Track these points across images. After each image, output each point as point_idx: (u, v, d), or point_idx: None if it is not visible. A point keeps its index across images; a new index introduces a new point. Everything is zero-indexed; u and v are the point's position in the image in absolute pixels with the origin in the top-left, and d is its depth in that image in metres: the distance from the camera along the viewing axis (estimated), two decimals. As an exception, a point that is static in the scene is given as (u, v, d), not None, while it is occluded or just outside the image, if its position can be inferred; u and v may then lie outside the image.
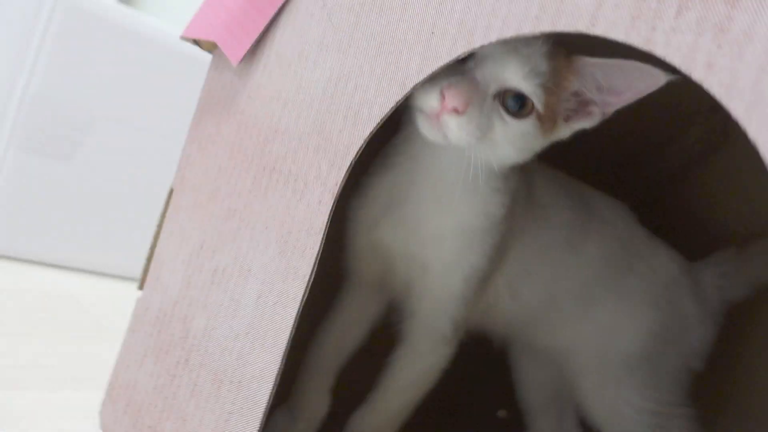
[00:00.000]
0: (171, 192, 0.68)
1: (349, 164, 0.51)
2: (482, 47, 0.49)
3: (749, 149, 0.31)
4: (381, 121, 0.49)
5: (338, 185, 0.51)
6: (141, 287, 0.70)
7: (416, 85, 0.47)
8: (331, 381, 0.69)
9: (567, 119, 0.54)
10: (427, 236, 0.60)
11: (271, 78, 0.58)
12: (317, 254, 0.52)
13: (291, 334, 0.53)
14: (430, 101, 0.50)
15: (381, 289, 0.68)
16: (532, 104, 0.52)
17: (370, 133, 0.49)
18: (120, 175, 1.13)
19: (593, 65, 0.51)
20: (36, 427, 0.66)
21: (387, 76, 0.49)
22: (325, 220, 0.52)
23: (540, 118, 0.52)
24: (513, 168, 0.59)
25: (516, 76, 0.51)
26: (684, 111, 0.83)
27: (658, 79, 0.46)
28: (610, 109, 0.53)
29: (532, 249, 0.66)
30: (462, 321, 0.63)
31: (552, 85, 0.52)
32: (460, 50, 0.44)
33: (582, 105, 0.54)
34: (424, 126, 0.53)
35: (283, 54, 0.57)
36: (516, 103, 0.52)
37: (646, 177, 0.92)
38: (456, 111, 0.49)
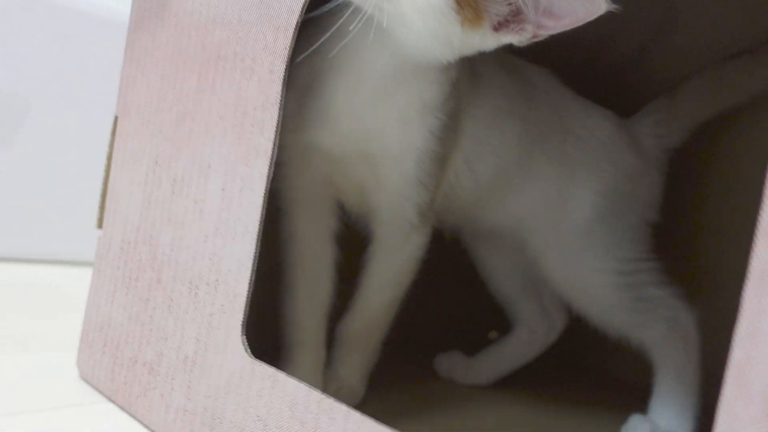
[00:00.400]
0: (115, 120, 0.65)
1: (295, 24, 0.49)
2: None
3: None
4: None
5: (288, 49, 0.49)
6: (99, 225, 0.66)
7: None
8: (322, 337, 0.65)
9: (496, 28, 0.51)
10: (367, 130, 0.58)
11: (201, -32, 0.56)
12: (277, 126, 0.50)
13: (262, 216, 0.50)
14: None
15: (328, 202, 0.64)
16: None
17: (311, -14, 0.48)
18: (63, 156, 1.09)
19: None
20: (15, 388, 0.62)
21: (319, -77, 0.47)
22: (280, 90, 0.49)
23: (458, 2, 0.49)
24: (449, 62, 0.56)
25: None
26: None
27: (599, 8, 0.45)
28: (543, 33, 0.50)
29: (482, 121, 0.64)
30: (426, 206, 0.61)
31: None
32: None
33: (514, 16, 0.50)
34: None
35: (209, -61, 0.55)
36: None
37: (607, 63, 0.92)
38: None
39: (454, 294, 0.94)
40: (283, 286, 0.65)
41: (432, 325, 0.91)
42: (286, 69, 0.49)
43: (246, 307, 0.51)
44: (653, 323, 0.68)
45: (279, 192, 0.63)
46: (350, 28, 0.51)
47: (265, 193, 0.50)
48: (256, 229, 0.51)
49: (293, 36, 0.49)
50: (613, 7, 0.46)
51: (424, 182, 0.60)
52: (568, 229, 0.69)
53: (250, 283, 0.51)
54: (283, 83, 0.49)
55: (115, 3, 1.00)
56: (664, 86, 0.78)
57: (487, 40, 0.51)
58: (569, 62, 0.76)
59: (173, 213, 0.58)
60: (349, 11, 0.50)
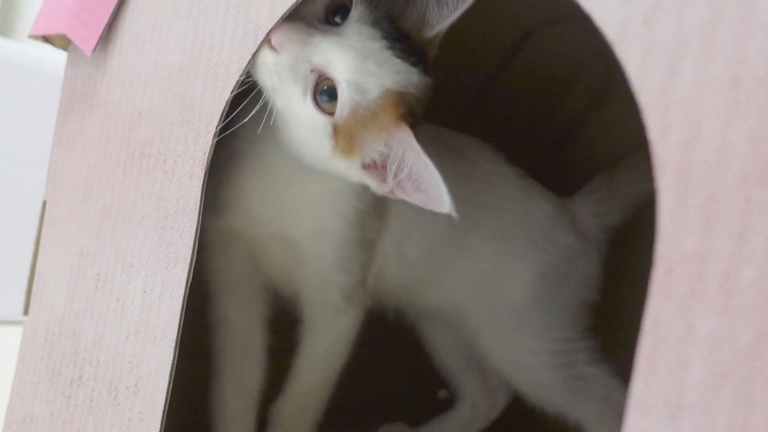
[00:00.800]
0: (44, 204, 0.63)
1: (214, 131, 0.48)
2: (354, 22, 0.47)
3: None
4: (240, 78, 0.46)
5: (206, 155, 0.48)
6: (26, 312, 0.64)
7: (268, 32, 0.44)
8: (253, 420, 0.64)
9: (366, 167, 0.51)
10: (281, 214, 0.57)
11: (127, 61, 0.55)
12: (196, 233, 0.49)
13: (180, 322, 0.49)
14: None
15: (255, 284, 0.64)
16: (334, 109, 0.48)
17: (231, 94, 0.47)
18: None
19: (411, 148, 0.48)
20: None
21: (239, 30, 0.47)
22: (199, 195, 0.49)
23: (336, 128, 0.49)
24: None
25: (344, 72, 0.47)
26: (574, 59, 0.84)
27: (444, 206, 0.47)
28: (399, 195, 0.50)
29: (409, 203, 0.64)
30: (351, 288, 0.60)
31: (366, 119, 0.49)
32: (305, -11, 0.42)
33: (383, 169, 0.51)
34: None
35: (136, 33, 0.54)
36: (326, 98, 0.48)
37: (547, 129, 0.92)
38: (270, 46, 0.46)
39: (403, 350, 0.93)
40: (211, 373, 0.64)
41: (380, 385, 0.90)
42: (204, 175, 0.48)
43: (163, 415, 0.49)
44: (587, 401, 0.68)
45: (204, 276, 0.62)
46: (253, 110, 0.51)
47: (183, 300, 0.49)
48: (175, 336, 0.50)
49: (212, 144, 0.48)
50: (454, 215, 0.47)
51: (345, 266, 0.59)
52: (504, 309, 0.68)
53: (167, 391, 0.49)
54: (202, 189, 0.48)
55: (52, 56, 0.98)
56: (604, 160, 0.78)
57: (353, 172, 0.51)
58: (506, 133, 0.76)
59: (96, 308, 0.56)
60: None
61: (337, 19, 0.49)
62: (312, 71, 0.48)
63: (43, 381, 0.60)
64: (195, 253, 0.49)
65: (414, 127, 0.48)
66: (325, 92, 0.48)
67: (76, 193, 0.60)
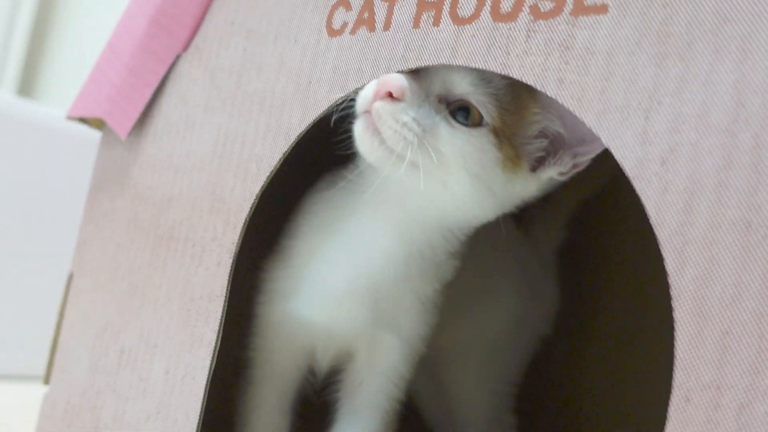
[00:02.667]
0: (70, 277, 0.65)
1: (243, 222, 0.50)
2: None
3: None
4: (270, 174, 0.49)
5: (235, 244, 0.50)
6: (46, 382, 0.65)
7: (299, 134, 0.47)
8: None
9: (534, 169, 0.48)
10: (377, 311, 0.53)
11: (160, 147, 0.58)
12: (221, 319, 0.50)
13: (203, 406, 0.50)
14: (365, 94, 0.44)
15: (298, 371, 0.60)
16: (480, 114, 0.45)
17: (261, 188, 0.49)
18: (17, 267, 1.08)
19: (555, 101, 0.46)
20: None
21: (272, 130, 0.49)
22: (225, 283, 0.50)
23: (496, 133, 0.45)
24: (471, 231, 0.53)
25: (463, 82, 0.45)
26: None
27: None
28: (582, 159, 0.47)
29: None
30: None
31: (512, 107, 0.46)
32: (336, 96, 0.45)
33: (550, 151, 0.48)
34: (357, 128, 0.45)
35: (170, 121, 0.57)
36: (465, 115, 0.45)
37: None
38: (390, 96, 0.43)
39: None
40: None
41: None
42: (232, 264, 0.50)
43: (182, 500, 0.50)
44: None
45: (246, 361, 0.60)
46: (363, 195, 0.48)
47: (206, 384, 0.50)
48: (197, 419, 0.50)
49: (241, 233, 0.50)
50: None
51: (417, 357, 0.57)
52: (478, 347, 0.70)
53: (187, 475, 0.50)
54: (229, 278, 0.50)
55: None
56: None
57: (529, 184, 0.48)
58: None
59: (118, 385, 0.57)
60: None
61: None
62: (439, 102, 0.45)
63: (61, 454, 0.61)
64: (219, 339, 0.50)
65: None
66: (461, 110, 0.45)
67: (103, 270, 0.62)
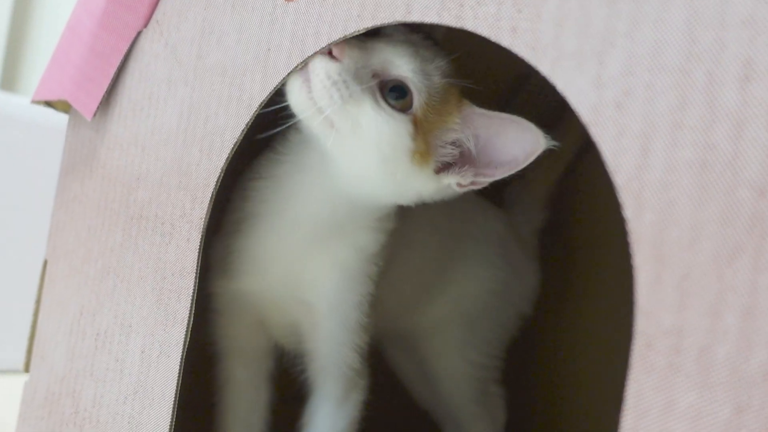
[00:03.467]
0: (45, 263, 0.65)
1: (210, 197, 0.49)
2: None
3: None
4: (234, 147, 0.48)
5: (203, 219, 0.49)
6: (26, 370, 0.65)
7: (261, 102, 0.46)
8: None
9: (438, 171, 0.50)
10: (301, 277, 0.56)
11: (126, 125, 0.57)
12: (193, 295, 0.50)
13: (178, 383, 0.50)
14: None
15: (263, 344, 0.62)
16: (411, 100, 0.47)
17: (225, 161, 0.48)
18: None
19: (480, 115, 0.48)
20: None
21: (233, 101, 0.48)
22: (196, 258, 0.50)
23: (416, 123, 0.47)
24: (390, 209, 0.55)
25: (405, 66, 0.47)
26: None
27: (538, 145, 0.45)
28: (482, 179, 0.49)
29: (403, 246, 0.63)
30: (365, 347, 0.61)
31: (438, 107, 0.48)
32: (295, 62, 0.44)
33: (458, 162, 0.50)
34: (292, 80, 0.46)
35: (134, 98, 0.56)
36: (395, 96, 0.47)
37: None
38: (331, 55, 0.45)
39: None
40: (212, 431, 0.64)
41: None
42: (201, 240, 0.49)
43: (162, 479, 0.50)
44: (482, 419, 0.71)
45: (210, 337, 0.62)
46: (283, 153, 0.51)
47: (181, 361, 0.50)
48: (173, 397, 0.50)
49: (208, 209, 0.49)
50: (552, 143, 0.45)
51: (363, 325, 0.58)
52: (456, 322, 0.70)
53: (166, 453, 0.50)
54: (199, 253, 0.49)
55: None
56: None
57: (429, 183, 0.50)
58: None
59: (96, 368, 0.57)
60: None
61: None
62: (373, 76, 0.47)
63: (43, 440, 0.60)
64: (192, 315, 0.50)
65: None
66: (393, 90, 0.47)
67: (76, 254, 0.61)
